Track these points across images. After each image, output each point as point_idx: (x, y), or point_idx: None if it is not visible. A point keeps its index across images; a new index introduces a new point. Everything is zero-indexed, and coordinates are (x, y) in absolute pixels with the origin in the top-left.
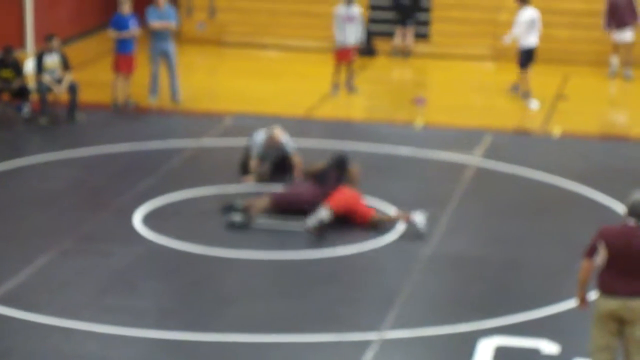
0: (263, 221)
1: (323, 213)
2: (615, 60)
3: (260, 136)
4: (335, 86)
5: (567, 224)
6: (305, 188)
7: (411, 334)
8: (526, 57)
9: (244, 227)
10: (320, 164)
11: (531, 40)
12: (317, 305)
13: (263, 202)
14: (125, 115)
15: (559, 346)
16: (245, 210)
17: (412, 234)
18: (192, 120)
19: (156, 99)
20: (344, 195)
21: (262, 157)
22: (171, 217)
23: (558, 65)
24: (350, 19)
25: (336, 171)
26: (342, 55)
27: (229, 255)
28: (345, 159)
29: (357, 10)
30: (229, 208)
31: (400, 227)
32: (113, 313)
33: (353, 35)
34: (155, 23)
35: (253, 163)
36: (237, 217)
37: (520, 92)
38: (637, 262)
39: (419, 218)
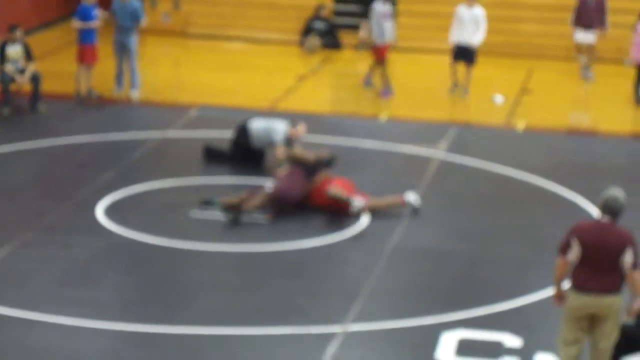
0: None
1: (357, 202)
2: (584, 59)
3: (282, 127)
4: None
5: (530, 218)
6: (299, 182)
7: (374, 327)
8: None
9: (235, 223)
10: (309, 154)
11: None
12: (281, 298)
13: (259, 198)
14: (88, 106)
15: (522, 340)
16: (233, 207)
17: (376, 227)
18: (156, 112)
19: (121, 91)
20: (346, 182)
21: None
22: (134, 209)
23: (523, 59)
24: (385, 15)
25: (323, 168)
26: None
27: (192, 247)
28: (335, 159)
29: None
30: (207, 203)
31: (364, 220)
32: (75, 305)
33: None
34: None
35: (281, 151)
36: (229, 215)
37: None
38: (609, 259)
39: (413, 197)
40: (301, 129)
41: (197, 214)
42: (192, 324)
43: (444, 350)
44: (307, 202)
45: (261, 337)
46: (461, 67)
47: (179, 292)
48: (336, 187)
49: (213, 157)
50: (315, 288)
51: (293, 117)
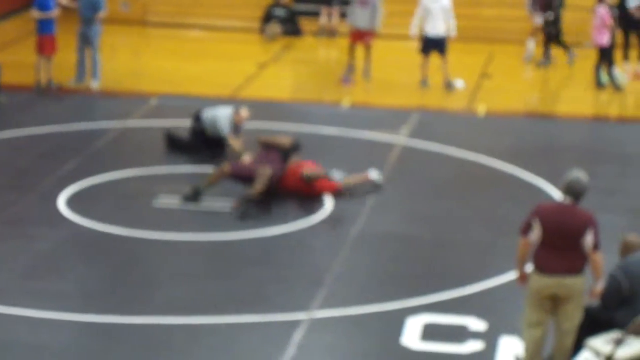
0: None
1: (336, 174)
2: (531, 45)
3: (226, 113)
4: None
5: (493, 202)
6: (277, 165)
7: (340, 313)
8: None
9: (194, 199)
10: (283, 138)
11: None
12: (246, 287)
13: (219, 170)
14: (49, 97)
15: (487, 323)
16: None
17: (340, 214)
18: (116, 102)
19: (81, 83)
20: (315, 167)
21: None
22: (97, 199)
23: (483, 44)
24: (363, 3)
25: (294, 153)
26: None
27: (156, 237)
28: (300, 145)
29: None
30: (194, 194)
31: (328, 207)
32: (39, 297)
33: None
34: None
35: (234, 142)
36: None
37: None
38: (571, 241)
39: (376, 175)
40: (244, 113)
41: (172, 205)
42: (157, 314)
43: (409, 335)
44: (279, 187)
45: (227, 326)
46: (434, 60)
47: (144, 283)
48: (310, 168)
49: (175, 145)
50: (281, 275)
51: (248, 105)
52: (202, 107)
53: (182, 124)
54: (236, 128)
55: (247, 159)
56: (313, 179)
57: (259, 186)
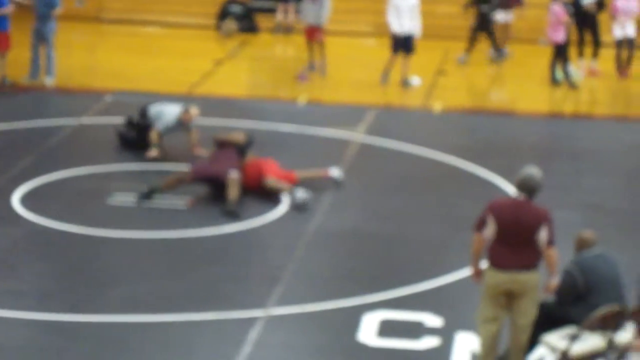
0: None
1: (300, 194)
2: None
3: (174, 110)
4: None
5: (449, 198)
6: (234, 163)
7: (297, 310)
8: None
9: (149, 197)
10: (238, 135)
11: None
12: (202, 284)
13: (180, 175)
14: (2, 94)
15: (442, 319)
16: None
17: (295, 210)
18: (71, 99)
19: (35, 79)
20: (274, 165)
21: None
22: (51, 197)
23: (439, 40)
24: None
25: (248, 148)
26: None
27: (112, 235)
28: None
29: None
30: (150, 192)
31: (285, 204)
32: None
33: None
34: None
35: (155, 135)
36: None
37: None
38: (525, 236)
39: (337, 172)
40: (194, 112)
41: (127, 202)
42: (112, 312)
43: (366, 332)
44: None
45: (183, 324)
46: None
47: (98, 280)
48: (273, 179)
49: (127, 142)
50: (237, 273)
51: (201, 102)
52: (148, 102)
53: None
54: (181, 125)
55: (153, 153)
56: (277, 190)
57: (234, 193)
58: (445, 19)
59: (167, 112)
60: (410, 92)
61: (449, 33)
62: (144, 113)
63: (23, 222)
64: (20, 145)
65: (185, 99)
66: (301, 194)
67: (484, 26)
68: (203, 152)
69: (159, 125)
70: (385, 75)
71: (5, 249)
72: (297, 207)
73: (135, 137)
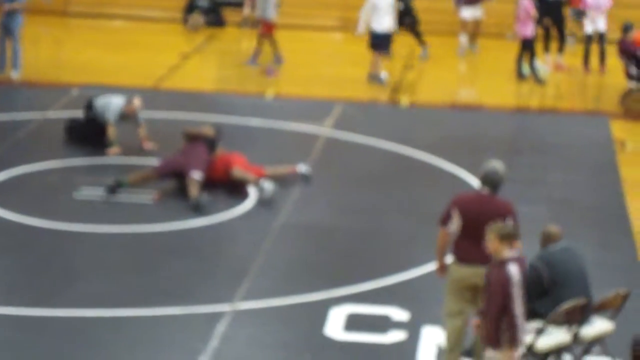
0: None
1: (267, 185)
2: (464, 39)
3: (119, 102)
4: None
5: (416, 193)
6: (204, 157)
7: (263, 304)
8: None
9: (114, 191)
10: (207, 129)
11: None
12: (168, 279)
13: (146, 172)
14: None
15: (409, 313)
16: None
17: (264, 205)
18: (37, 92)
19: (1, 73)
20: (243, 159)
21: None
22: (16, 191)
23: (406, 35)
24: None
25: (217, 142)
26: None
27: (78, 229)
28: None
29: None
30: (116, 185)
31: (252, 198)
32: None
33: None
34: None
35: (112, 131)
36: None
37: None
38: None
39: (304, 168)
40: (137, 104)
41: (93, 197)
42: (77, 306)
43: (332, 326)
44: (206, 176)
45: (149, 318)
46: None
47: (64, 275)
48: (240, 170)
49: (72, 135)
50: (204, 268)
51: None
52: (93, 96)
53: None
54: (126, 117)
55: (115, 150)
56: (240, 181)
57: (194, 192)
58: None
59: (112, 104)
60: (378, 86)
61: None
62: (89, 106)
63: None
64: None
65: (152, 93)
66: (267, 185)
67: (406, 21)
68: (152, 146)
69: (110, 117)
70: (375, 77)
71: None
72: (264, 199)
73: (82, 130)
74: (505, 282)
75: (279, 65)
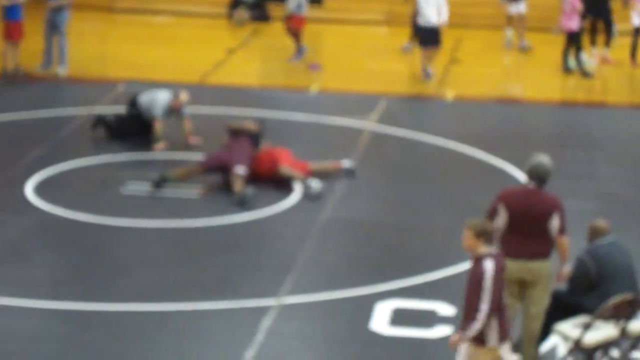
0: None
1: (314, 184)
2: (509, 33)
3: (165, 97)
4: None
5: (461, 187)
6: (248, 152)
7: (309, 299)
8: (421, 36)
9: (159, 186)
10: (251, 123)
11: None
12: (214, 273)
13: (191, 167)
14: (16, 84)
15: (455, 308)
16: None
17: (309, 200)
18: (83, 88)
19: (48, 69)
20: (288, 154)
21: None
22: (64, 186)
23: (451, 28)
24: None
25: (261, 136)
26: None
27: (124, 224)
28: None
29: None
30: (161, 181)
31: (297, 193)
32: (5, 284)
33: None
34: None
35: (159, 126)
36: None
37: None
38: (536, 225)
39: (348, 163)
40: (183, 97)
41: (140, 192)
42: (124, 300)
43: (378, 320)
44: (251, 171)
45: (196, 312)
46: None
47: (110, 269)
48: (287, 168)
49: (107, 130)
50: (249, 262)
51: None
52: (138, 92)
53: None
54: (173, 112)
55: (161, 145)
56: (290, 178)
57: (238, 187)
58: (457, 7)
59: (159, 99)
60: (423, 81)
61: (462, 21)
62: (133, 102)
63: (36, 211)
64: (33, 134)
65: (197, 88)
66: (315, 184)
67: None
68: (197, 140)
69: (158, 113)
70: (427, 73)
71: (18, 238)
72: (311, 197)
73: (125, 127)
74: (480, 278)
75: (300, 58)
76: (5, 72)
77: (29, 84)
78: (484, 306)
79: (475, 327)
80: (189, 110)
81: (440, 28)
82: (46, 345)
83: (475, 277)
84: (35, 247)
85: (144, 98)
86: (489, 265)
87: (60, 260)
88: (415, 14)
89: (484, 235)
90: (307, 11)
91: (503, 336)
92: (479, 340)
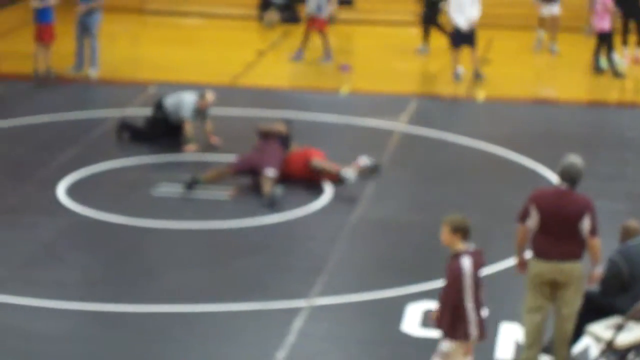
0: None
1: (349, 173)
2: (541, 34)
3: (191, 98)
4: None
5: (493, 188)
6: (279, 154)
7: (340, 300)
8: (453, 37)
9: (191, 187)
10: (280, 125)
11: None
12: (245, 274)
13: (222, 168)
14: (47, 86)
15: (487, 309)
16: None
17: (339, 201)
18: (114, 90)
19: (79, 71)
20: (320, 152)
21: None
22: (95, 188)
23: (482, 29)
24: None
25: (291, 137)
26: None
27: (155, 225)
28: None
29: None
30: (193, 182)
31: (328, 194)
32: (38, 285)
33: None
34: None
35: (189, 128)
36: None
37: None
38: (568, 226)
39: (364, 160)
40: (210, 98)
41: (170, 193)
42: (156, 302)
43: (409, 322)
44: (282, 172)
45: (226, 314)
46: (465, 53)
47: (143, 271)
48: (319, 160)
49: (132, 134)
50: (280, 263)
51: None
52: (163, 94)
53: (138, 113)
54: (199, 113)
55: (192, 147)
56: (320, 170)
57: (267, 189)
58: (489, 7)
59: (186, 101)
60: (454, 82)
61: (493, 21)
62: (159, 105)
63: (68, 212)
64: (65, 136)
65: (228, 90)
66: (350, 174)
67: (431, 18)
68: (218, 140)
69: (186, 115)
70: (457, 74)
71: (50, 239)
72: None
73: (146, 129)
74: (457, 275)
75: (329, 60)
76: (37, 74)
77: (60, 86)
78: (469, 304)
79: (473, 329)
80: (219, 111)
81: (472, 29)
82: (77, 346)
83: (452, 274)
84: (67, 249)
85: (170, 100)
86: (466, 263)
87: (92, 261)
88: (425, 13)
89: (460, 231)
90: (335, 12)
91: (482, 332)
92: (461, 335)
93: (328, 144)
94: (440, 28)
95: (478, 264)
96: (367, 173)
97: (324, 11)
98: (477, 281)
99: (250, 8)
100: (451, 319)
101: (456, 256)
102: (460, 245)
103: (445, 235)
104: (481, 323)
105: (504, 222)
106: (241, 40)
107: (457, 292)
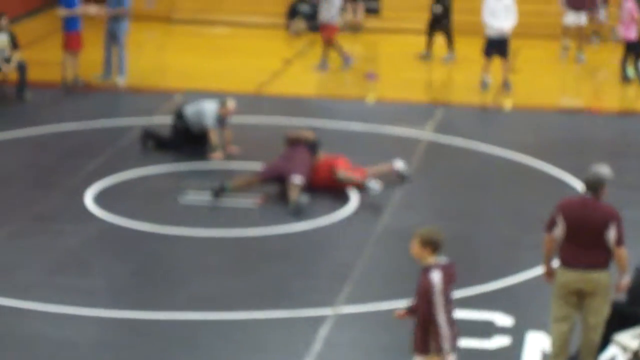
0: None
1: (373, 184)
2: (566, 43)
3: (212, 106)
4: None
5: (519, 197)
6: (308, 161)
7: (365, 308)
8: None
9: (218, 195)
10: (307, 132)
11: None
12: (271, 282)
13: (249, 177)
14: (75, 94)
15: (513, 318)
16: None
17: (365, 209)
18: (141, 98)
19: (107, 79)
20: (346, 160)
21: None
22: (123, 195)
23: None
24: None
25: (318, 145)
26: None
27: (182, 233)
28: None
29: None
30: (220, 190)
31: (354, 202)
32: (65, 292)
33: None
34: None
35: (215, 136)
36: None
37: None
38: (594, 235)
39: (400, 164)
40: (231, 106)
41: (198, 201)
42: (183, 309)
43: None
44: (309, 180)
45: (253, 322)
46: (495, 63)
47: (170, 278)
48: (344, 172)
49: (157, 143)
50: (306, 271)
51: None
52: (183, 103)
53: (163, 121)
54: (221, 121)
55: (218, 154)
56: (345, 183)
57: (293, 197)
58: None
59: (207, 109)
60: (480, 90)
61: (519, 30)
62: (180, 114)
63: (96, 220)
64: (93, 144)
65: (254, 98)
66: (374, 184)
67: (437, 25)
68: (236, 149)
69: (209, 123)
70: (484, 83)
71: (78, 246)
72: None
73: (169, 138)
74: (427, 289)
75: (349, 66)
76: (65, 82)
77: (87, 94)
78: (441, 319)
79: (446, 343)
80: (245, 119)
81: (505, 38)
82: (105, 353)
83: (422, 289)
84: (95, 256)
85: (190, 109)
86: (435, 277)
87: (120, 269)
88: (434, 20)
89: (430, 245)
90: (361, 21)
91: (453, 345)
92: (434, 349)
93: (354, 153)
94: (449, 37)
95: (449, 278)
96: (396, 178)
97: (335, 19)
98: (448, 294)
99: (277, 17)
100: (422, 334)
101: (426, 270)
102: (430, 259)
103: (415, 248)
104: (454, 337)
105: (531, 231)
106: (268, 48)
107: (427, 306)
